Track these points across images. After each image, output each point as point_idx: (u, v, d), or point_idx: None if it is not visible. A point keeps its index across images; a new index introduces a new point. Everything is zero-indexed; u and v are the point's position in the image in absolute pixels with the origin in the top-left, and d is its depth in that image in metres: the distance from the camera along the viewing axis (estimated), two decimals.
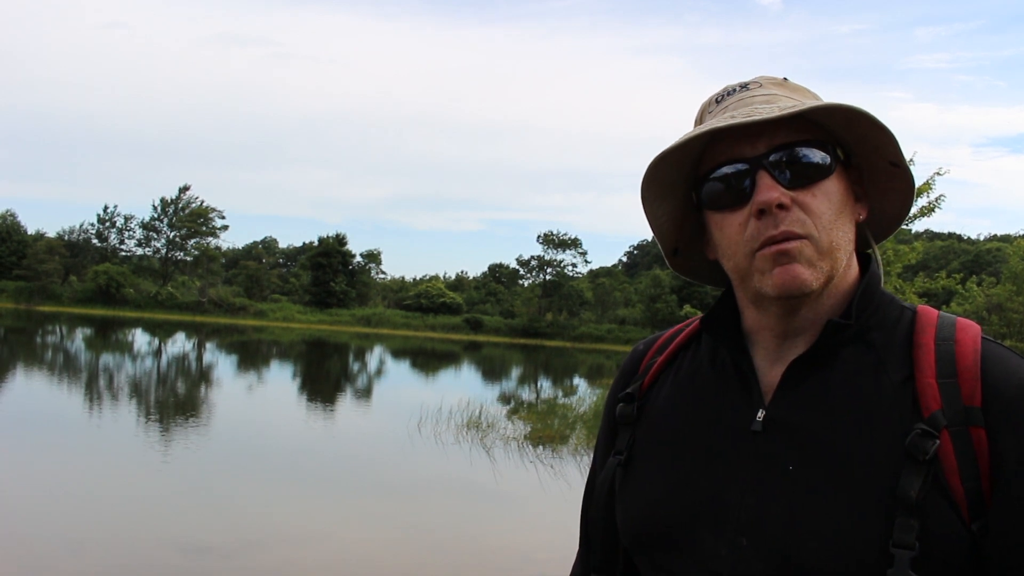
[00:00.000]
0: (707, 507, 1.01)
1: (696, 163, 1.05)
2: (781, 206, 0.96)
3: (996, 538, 0.89)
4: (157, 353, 34.78)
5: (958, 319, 1.00)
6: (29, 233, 74.75)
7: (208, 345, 41.67)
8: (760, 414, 1.01)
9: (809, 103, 0.97)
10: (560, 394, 26.34)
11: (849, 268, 1.03)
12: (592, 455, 1.28)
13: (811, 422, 0.98)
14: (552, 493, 11.09)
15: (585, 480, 1.28)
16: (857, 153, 1.04)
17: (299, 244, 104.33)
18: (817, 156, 0.99)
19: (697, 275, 1.20)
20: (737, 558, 0.96)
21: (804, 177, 0.98)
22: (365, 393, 25.03)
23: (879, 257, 1.10)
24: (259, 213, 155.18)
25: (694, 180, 1.06)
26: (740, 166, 1.00)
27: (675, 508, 1.04)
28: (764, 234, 0.97)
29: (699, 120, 1.09)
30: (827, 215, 0.98)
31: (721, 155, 1.01)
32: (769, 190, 0.96)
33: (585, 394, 23.71)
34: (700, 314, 1.19)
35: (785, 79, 1.06)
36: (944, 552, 0.88)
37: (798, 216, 0.97)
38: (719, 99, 1.07)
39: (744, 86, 1.06)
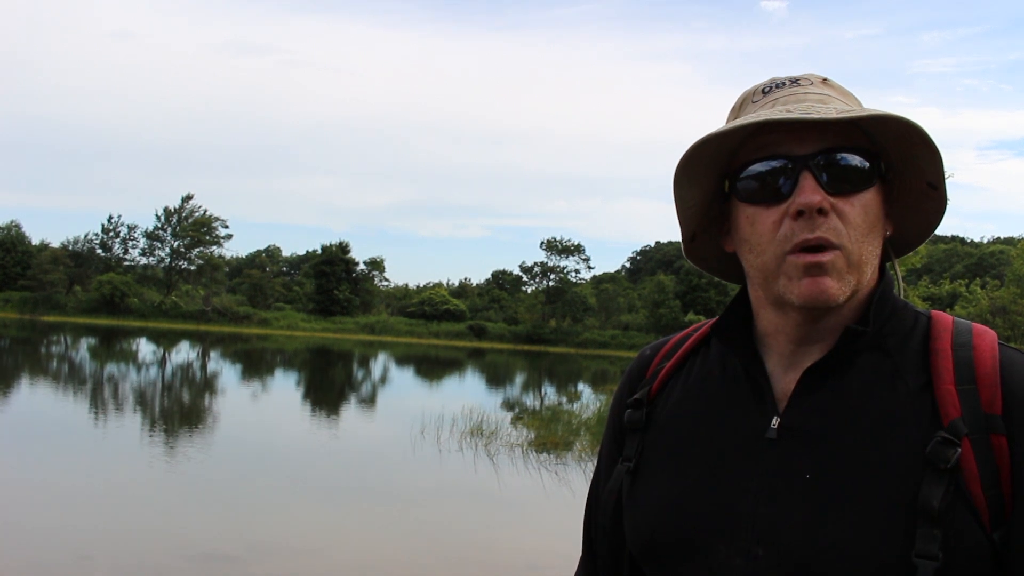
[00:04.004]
0: (720, 516, 0.99)
1: (734, 151, 1.02)
2: (821, 211, 0.94)
3: (1018, 546, 0.88)
4: (162, 362, 34.82)
5: (974, 325, 0.99)
6: (33, 243, 74.92)
7: (212, 354, 41.68)
8: (775, 421, 0.99)
9: (868, 110, 0.94)
10: (564, 400, 26.30)
11: (871, 279, 1.02)
12: (596, 461, 1.27)
13: (828, 430, 0.96)
14: (556, 499, 11.07)
15: (589, 485, 1.27)
16: (897, 169, 1.01)
17: (302, 252, 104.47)
18: (862, 165, 0.97)
19: (708, 265, 1.17)
20: (752, 568, 0.95)
21: (846, 184, 0.96)
22: (369, 400, 25.01)
23: (899, 272, 1.09)
24: (263, 221, 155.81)
25: (729, 168, 1.03)
26: (784, 163, 0.97)
27: (686, 516, 1.02)
28: (799, 236, 0.94)
29: (738, 108, 1.07)
30: (862, 227, 0.96)
31: (765, 148, 0.98)
32: (812, 192, 0.94)
33: (589, 400, 23.67)
34: (704, 319, 1.18)
35: (826, 80, 1.04)
36: (967, 562, 0.87)
37: (835, 224, 0.94)
38: (766, 90, 1.03)
39: (794, 81, 1.03)
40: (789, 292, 0.96)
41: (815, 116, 0.92)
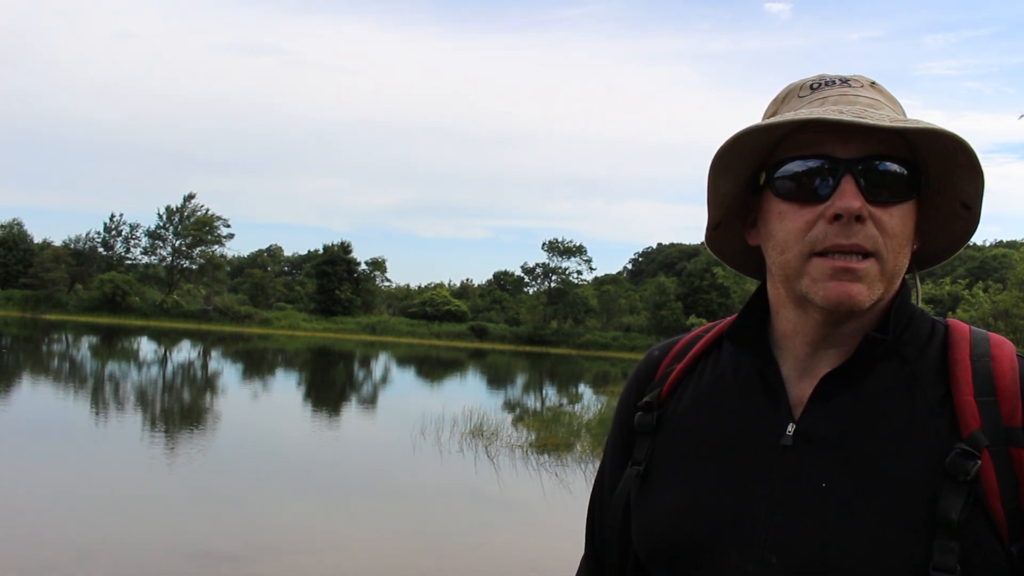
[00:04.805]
0: (733, 522, 0.98)
1: (776, 144, 1.00)
2: (859, 218, 0.92)
3: None
4: (163, 362, 34.84)
5: (991, 335, 0.99)
6: (35, 242, 75.00)
7: (213, 353, 41.70)
8: (790, 428, 0.98)
9: (920, 121, 0.92)
10: (565, 402, 26.30)
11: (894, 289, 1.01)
12: (599, 463, 1.26)
13: (845, 437, 0.95)
14: (556, 501, 11.07)
15: (589, 487, 1.26)
16: (933, 186, 1.00)
17: (304, 252, 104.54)
18: (904, 176, 0.95)
19: (726, 256, 1.15)
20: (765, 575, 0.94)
21: (886, 193, 0.94)
22: (370, 401, 25.02)
23: (919, 284, 1.09)
24: (265, 221, 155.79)
25: (768, 161, 1.00)
26: (827, 164, 0.94)
27: (698, 522, 1.01)
28: (831, 240, 0.92)
29: (780, 101, 1.05)
30: (899, 238, 0.95)
31: (808, 146, 0.96)
32: (853, 198, 0.92)
33: (590, 401, 23.68)
34: (706, 322, 1.18)
35: (874, 83, 1.02)
36: (985, 575, 0.86)
37: (871, 232, 0.93)
38: (814, 86, 1.01)
39: (844, 81, 1.00)
40: (813, 292, 0.94)
41: (868, 121, 0.90)
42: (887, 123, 0.90)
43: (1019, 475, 0.88)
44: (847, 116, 0.91)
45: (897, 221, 0.94)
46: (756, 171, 1.02)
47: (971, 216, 1.01)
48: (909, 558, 0.87)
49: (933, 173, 0.99)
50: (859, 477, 0.92)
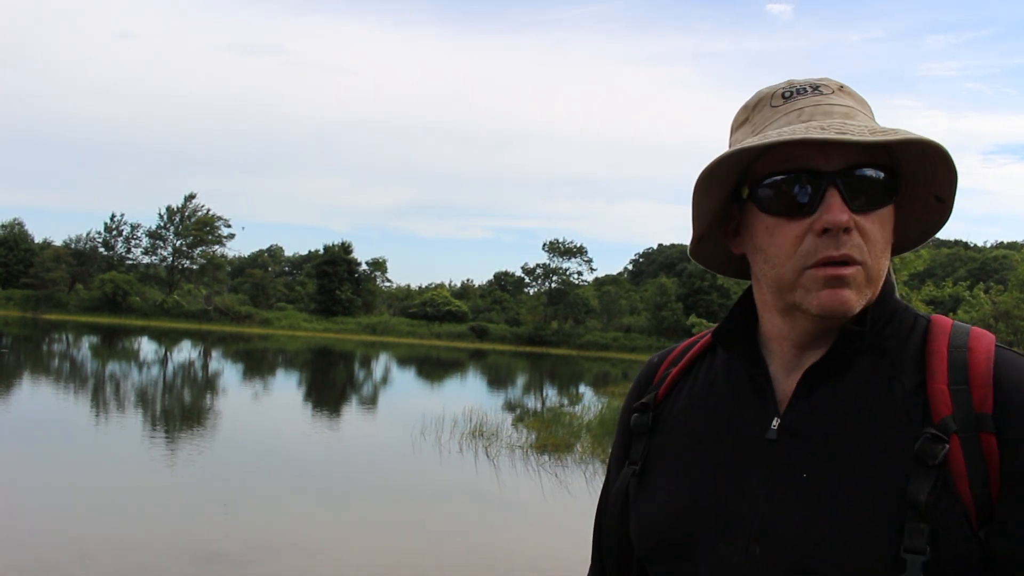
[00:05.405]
0: (721, 516, 1.01)
1: (756, 157, 1.01)
2: (846, 229, 0.94)
3: (1004, 545, 0.89)
4: (163, 362, 34.84)
5: (972, 328, 1.00)
6: (36, 241, 75.05)
7: (214, 353, 41.71)
8: (775, 422, 1.01)
9: (901, 131, 0.94)
10: (565, 402, 26.30)
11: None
12: (602, 465, 1.27)
13: (825, 429, 0.98)
14: (556, 501, 11.06)
15: (589, 487, 1.27)
16: (907, 180, 1.02)
17: (305, 252, 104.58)
18: (885, 182, 0.98)
19: (711, 264, 1.18)
20: (750, 566, 0.96)
21: (869, 201, 0.97)
22: (371, 401, 25.03)
23: (892, 272, 1.09)
24: (266, 221, 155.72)
25: (749, 174, 1.02)
26: (810, 177, 0.96)
27: (689, 518, 1.04)
28: (823, 253, 0.95)
29: (751, 108, 1.06)
30: (880, 243, 0.98)
31: (790, 160, 0.98)
32: (839, 211, 0.94)
33: (590, 402, 23.66)
34: (706, 323, 1.19)
35: (842, 87, 1.03)
36: (955, 557, 0.88)
37: (857, 241, 0.95)
38: (786, 95, 1.02)
39: (815, 88, 1.02)
40: (807, 302, 0.97)
41: (852, 137, 0.92)
42: (868, 136, 0.92)
43: (988, 460, 0.90)
44: (830, 133, 0.93)
45: (878, 227, 0.97)
46: (736, 185, 1.04)
47: (944, 208, 1.04)
48: (883, 542, 0.89)
49: (909, 171, 1.01)
50: (838, 467, 0.94)
